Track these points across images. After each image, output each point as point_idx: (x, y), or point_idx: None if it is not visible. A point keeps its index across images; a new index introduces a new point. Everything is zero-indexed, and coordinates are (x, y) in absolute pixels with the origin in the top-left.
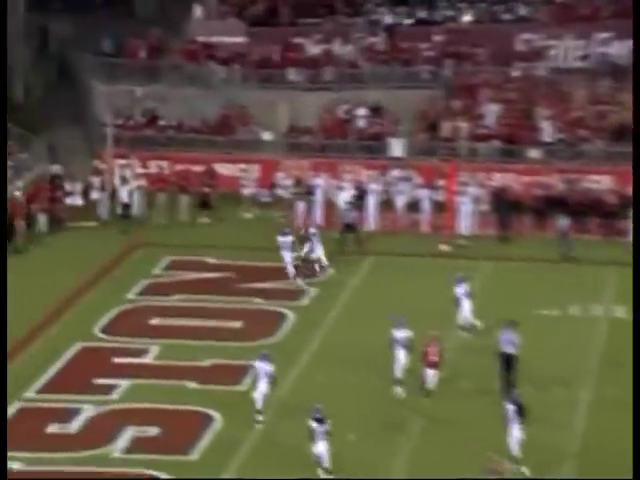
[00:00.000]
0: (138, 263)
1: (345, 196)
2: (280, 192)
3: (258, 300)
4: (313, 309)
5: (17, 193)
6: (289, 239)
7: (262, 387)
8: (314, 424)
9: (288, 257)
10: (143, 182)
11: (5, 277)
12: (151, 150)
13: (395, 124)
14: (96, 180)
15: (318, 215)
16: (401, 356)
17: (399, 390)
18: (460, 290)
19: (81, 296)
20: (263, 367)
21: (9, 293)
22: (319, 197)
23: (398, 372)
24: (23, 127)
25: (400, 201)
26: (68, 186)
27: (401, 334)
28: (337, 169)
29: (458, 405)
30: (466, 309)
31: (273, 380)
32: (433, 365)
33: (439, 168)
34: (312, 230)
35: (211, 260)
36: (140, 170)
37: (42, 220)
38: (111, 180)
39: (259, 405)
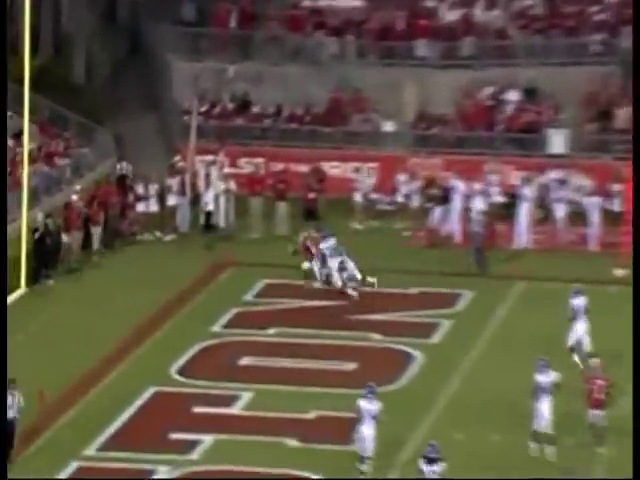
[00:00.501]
0: (225, 287)
1: (478, 204)
2: (404, 198)
3: (376, 336)
4: (447, 347)
5: (74, 197)
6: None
7: (366, 431)
8: (424, 466)
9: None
10: (233, 185)
11: (5, 277)
12: (243, 144)
13: (555, 111)
14: (174, 182)
15: (455, 228)
16: (544, 407)
17: (534, 446)
18: (577, 303)
19: (154, 328)
20: (367, 407)
21: (62, 323)
22: (457, 205)
23: (540, 425)
24: (84, 115)
25: (560, 211)
26: (139, 189)
27: (545, 378)
28: (479, 169)
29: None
30: (580, 330)
31: (378, 420)
32: (599, 405)
33: (613, 169)
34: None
35: (317, 284)
36: (229, 170)
37: (105, 232)
38: (193, 182)
39: (366, 452)
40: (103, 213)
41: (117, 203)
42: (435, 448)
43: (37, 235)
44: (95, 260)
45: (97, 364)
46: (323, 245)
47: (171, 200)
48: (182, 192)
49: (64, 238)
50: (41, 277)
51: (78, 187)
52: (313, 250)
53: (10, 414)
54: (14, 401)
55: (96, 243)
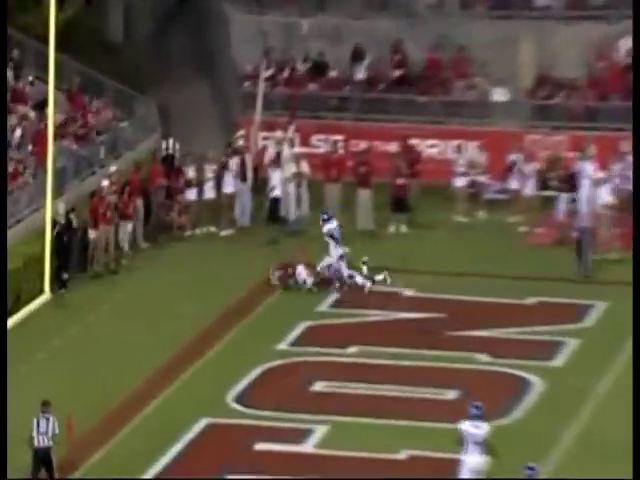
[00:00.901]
0: (294, 295)
1: (604, 193)
2: (519, 184)
3: (483, 357)
4: (572, 372)
5: (105, 183)
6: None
7: (471, 462)
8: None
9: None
10: (305, 167)
11: (5, 277)
12: (317, 117)
13: None
14: (233, 163)
15: (584, 221)
16: None
17: None
18: None
19: (207, 346)
20: (472, 431)
21: (92, 339)
22: (585, 193)
23: None
24: (122, 80)
25: None
26: (190, 172)
27: None
28: (617, 148)
29: None
30: None
31: (487, 449)
32: None
33: None
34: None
35: (408, 292)
36: (300, 149)
37: (146, 226)
38: (256, 164)
39: None
40: (143, 203)
41: (162, 190)
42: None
43: (55, 230)
44: (130, 262)
45: (135, 390)
46: (329, 226)
47: (229, 186)
48: (243, 176)
49: (91, 234)
50: (59, 283)
51: (113, 168)
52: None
53: (44, 442)
54: (48, 427)
55: (125, 242)
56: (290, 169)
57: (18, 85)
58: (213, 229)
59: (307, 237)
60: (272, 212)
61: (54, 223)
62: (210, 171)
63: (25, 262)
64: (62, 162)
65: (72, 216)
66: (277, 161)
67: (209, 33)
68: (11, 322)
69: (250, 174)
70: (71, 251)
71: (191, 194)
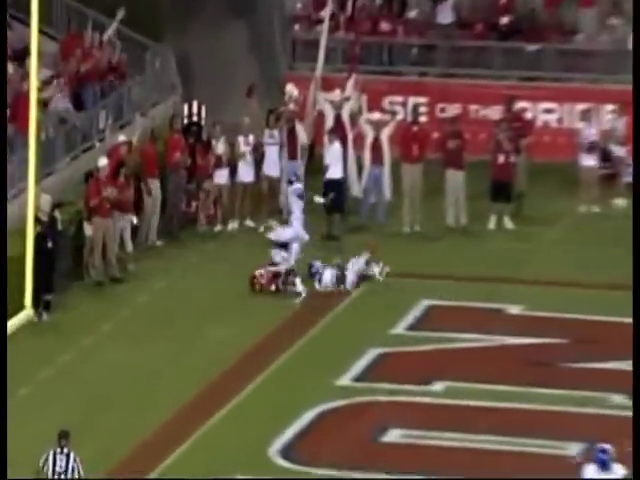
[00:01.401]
0: (361, 312)
1: None
2: None
3: (619, 398)
4: None
5: (102, 162)
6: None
7: None
8: None
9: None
10: (386, 136)
11: (5, 277)
12: (390, 73)
13: None
14: (278, 135)
15: None
16: None
17: None
18: None
19: (244, 380)
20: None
21: (88, 367)
22: None
23: None
24: (131, 25)
25: None
26: (219, 147)
27: None
28: None
29: None
30: None
31: None
32: None
33: None
34: None
35: (514, 310)
36: (371, 115)
37: (161, 218)
38: (311, 133)
39: None
40: (155, 182)
41: (182, 170)
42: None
43: (37, 230)
44: (140, 266)
45: (148, 440)
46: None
47: (272, 166)
48: (292, 153)
49: (87, 230)
50: (40, 304)
51: (122, 137)
52: None
53: None
54: (69, 465)
55: (128, 244)
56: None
57: None
58: (250, 223)
59: (377, 234)
60: (329, 197)
61: (36, 220)
62: (246, 145)
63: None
64: (49, 133)
65: (56, 214)
66: (336, 131)
67: None
68: None
69: (305, 147)
70: (54, 261)
71: (221, 176)
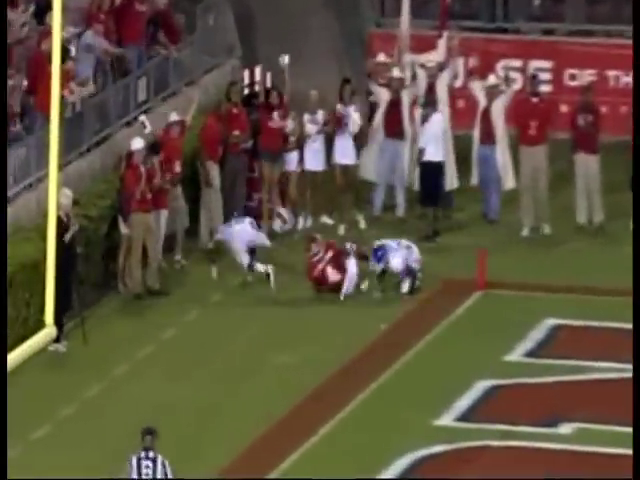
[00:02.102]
0: (469, 332)
1: None
2: None
3: None
4: None
5: (137, 144)
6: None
7: None
8: None
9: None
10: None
11: (5, 276)
12: (500, 30)
13: None
14: (362, 110)
15: None
16: None
17: None
18: None
19: (320, 419)
20: None
21: (121, 400)
22: None
23: None
24: None
25: None
26: (288, 124)
27: None
28: None
29: None
30: None
31: None
32: None
33: None
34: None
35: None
36: (482, 80)
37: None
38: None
39: None
40: (218, 172)
41: (242, 153)
42: None
43: (67, 238)
44: (188, 276)
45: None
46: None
47: (344, 152)
48: (393, 131)
49: (122, 229)
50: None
51: (174, 116)
52: None
53: None
54: (156, 471)
55: (179, 247)
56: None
57: None
58: (328, 220)
59: (487, 233)
60: (427, 186)
61: (59, 221)
62: (313, 124)
63: (14, 275)
64: (75, 107)
65: (69, 213)
66: (431, 103)
67: None
68: None
69: (406, 126)
70: (69, 273)
71: (290, 162)
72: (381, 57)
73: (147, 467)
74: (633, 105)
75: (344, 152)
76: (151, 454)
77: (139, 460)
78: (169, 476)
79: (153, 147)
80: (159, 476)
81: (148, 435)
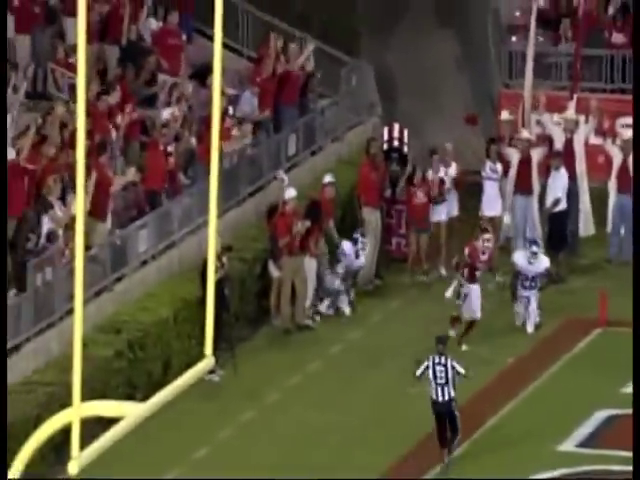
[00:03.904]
0: (591, 365)
1: None
2: None
3: None
4: None
5: (290, 194)
6: None
7: None
8: None
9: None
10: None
11: (5, 276)
12: (622, 90)
13: None
14: (499, 168)
15: None
16: None
17: None
18: None
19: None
20: None
21: (272, 426)
22: None
23: None
24: (323, 37)
25: None
26: (436, 177)
27: None
28: None
29: None
30: None
31: None
32: None
33: None
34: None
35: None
36: (623, 135)
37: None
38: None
39: None
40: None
41: (379, 203)
42: None
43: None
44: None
45: None
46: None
47: (492, 203)
48: (524, 185)
49: (273, 272)
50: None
51: (328, 179)
52: None
53: (444, 395)
54: (448, 373)
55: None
56: (581, 168)
57: (166, 40)
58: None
59: (611, 276)
60: (554, 232)
61: (221, 263)
62: (453, 168)
63: (177, 311)
64: (231, 160)
65: (224, 259)
66: (561, 157)
67: None
68: (159, 400)
69: (536, 182)
70: (222, 313)
71: (439, 212)
72: (505, 114)
73: (440, 371)
74: (633, 107)
75: (490, 203)
76: (443, 359)
77: (434, 364)
78: (460, 370)
79: (314, 208)
80: (450, 377)
81: (440, 344)
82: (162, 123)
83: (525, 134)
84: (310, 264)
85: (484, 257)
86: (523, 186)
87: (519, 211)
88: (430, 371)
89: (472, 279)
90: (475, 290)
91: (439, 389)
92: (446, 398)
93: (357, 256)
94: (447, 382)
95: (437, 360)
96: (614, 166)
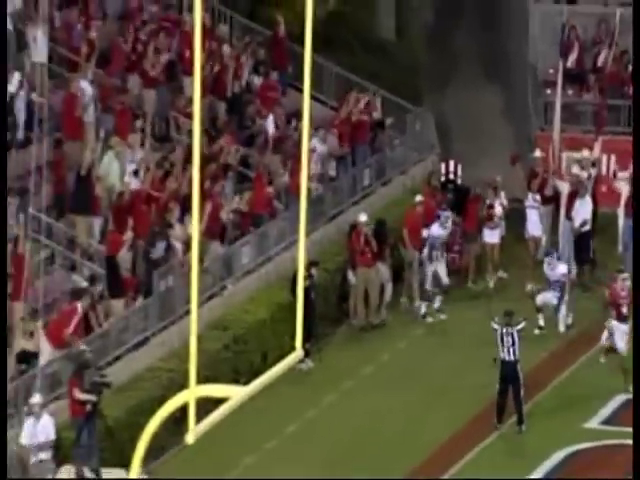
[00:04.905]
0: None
1: None
2: None
3: None
4: None
5: (363, 218)
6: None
7: None
8: None
9: None
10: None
11: (5, 276)
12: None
13: None
14: (539, 198)
15: None
16: None
17: None
18: None
19: (488, 425)
20: None
21: (349, 409)
22: None
23: None
24: (393, 89)
25: None
26: (497, 206)
27: None
28: None
29: None
30: None
31: None
32: None
33: None
34: None
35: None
36: (624, 173)
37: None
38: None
39: None
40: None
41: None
42: None
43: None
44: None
45: (407, 476)
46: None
47: (534, 225)
48: (569, 213)
49: (351, 279)
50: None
51: (362, 216)
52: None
53: (510, 356)
54: (514, 340)
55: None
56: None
57: (266, 93)
58: (503, 274)
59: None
60: (581, 250)
61: (309, 274)
62: (499, 205)
63: (273, 313)
64: (318, 189)
65: (313, 270)
66: (583, 188)
67: (503, 28)
68: (258, 385)
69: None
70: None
71: (493, 235)
72: (537, 153)
73: (508, 337)
74: (633, 103)
75: (533, 227)
76: (510, 328)
77: (502, 332)
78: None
79: (381, 228)
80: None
81: (508, 315)
82: (265, 162)
83: (575, 169)
84: (383, 271)
85: (624, 293)
86: (568, 212)
87: (566, 233)
88: (499, 335)
89: (619, 317)
90: (620, 327)
91: (505, 349)
92: (512, 358)
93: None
94: (513, 345)
95: (505, 331)
96: (623, 196)
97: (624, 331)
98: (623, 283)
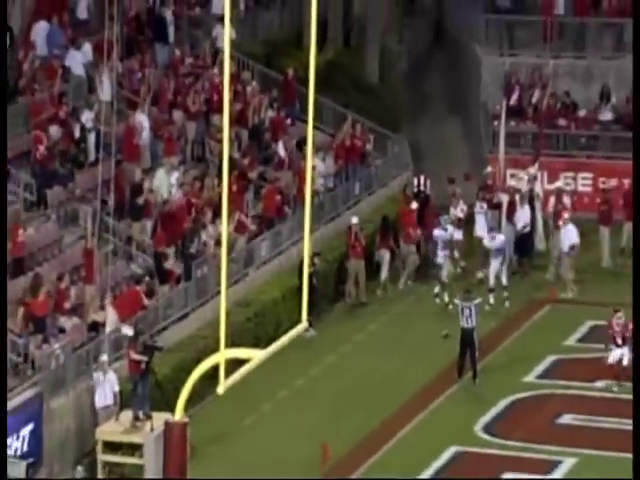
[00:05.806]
0: (542, 329)
1: None
2: None
3: None
4: None
5: (354, 220)
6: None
7: None
8: None
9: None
10: (561, 205)
11: (5, 276)
12: (565, 156)
13: None
14: (485, 206)
15: None
16: None
17: None
18: None
19: (453, 377)
20: None
21: (346, 369)
22: None
23: None
24: (377, 120)
25: None
26: (459, 210)
27: None
28: None
29: None
30: None
31: None
32: None
33: None
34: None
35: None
36: (545, 186)
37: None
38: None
39: None
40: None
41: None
42: None
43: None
44: (381, 294)
45: (390, 417)
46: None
47: (480, 226)
48: (510, 218)
49: (350, 267)
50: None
51: (354, 219)
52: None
53: (469, 323)
54: (472, 312)
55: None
56: (535, 206)
57: (279, 123)
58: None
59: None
60: (521, 245)
61: (313, 262)
62: (461, 213)
63: (284, 294)
64: (319, 198)
65: (316, 260)
66: (523, 198)
67: (461, 73)
68: (274, 349)
69: (536, 215)
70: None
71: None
72: (489, 169)
73: (467, 310)
74: (633, 105)
75: (480, 229)
76: (469, 304)
77: (462, 306)
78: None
79: (385, 223)
80: (473, 314)
81: (467, 292)
82: (278, 177)
83: (514, 182)
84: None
85: (618, 328)
86: (510, 217)
87: (508, 234)
88: (459, 308)
89: (616, 344)
90: (617, 350)
91: (465, 319)
92: (470, 325)
93: None
94: (471, 316)
95: (466, 305)
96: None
97: (621, 352)
98: (618, 320)
